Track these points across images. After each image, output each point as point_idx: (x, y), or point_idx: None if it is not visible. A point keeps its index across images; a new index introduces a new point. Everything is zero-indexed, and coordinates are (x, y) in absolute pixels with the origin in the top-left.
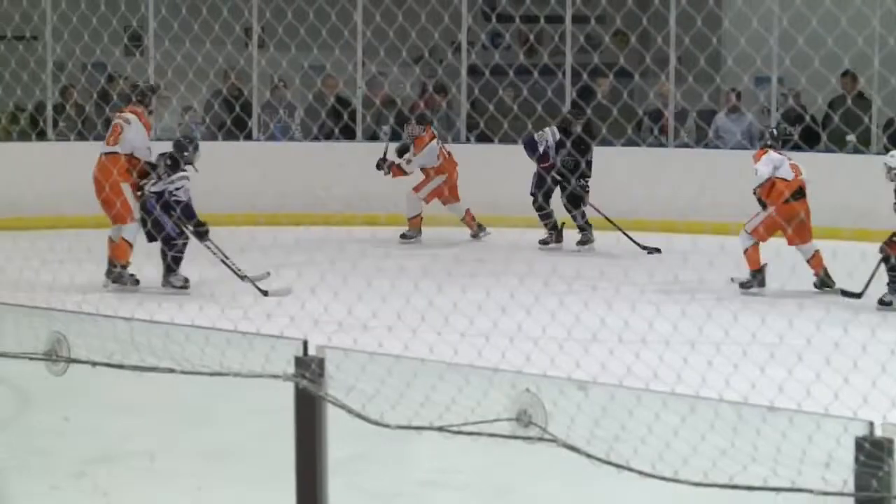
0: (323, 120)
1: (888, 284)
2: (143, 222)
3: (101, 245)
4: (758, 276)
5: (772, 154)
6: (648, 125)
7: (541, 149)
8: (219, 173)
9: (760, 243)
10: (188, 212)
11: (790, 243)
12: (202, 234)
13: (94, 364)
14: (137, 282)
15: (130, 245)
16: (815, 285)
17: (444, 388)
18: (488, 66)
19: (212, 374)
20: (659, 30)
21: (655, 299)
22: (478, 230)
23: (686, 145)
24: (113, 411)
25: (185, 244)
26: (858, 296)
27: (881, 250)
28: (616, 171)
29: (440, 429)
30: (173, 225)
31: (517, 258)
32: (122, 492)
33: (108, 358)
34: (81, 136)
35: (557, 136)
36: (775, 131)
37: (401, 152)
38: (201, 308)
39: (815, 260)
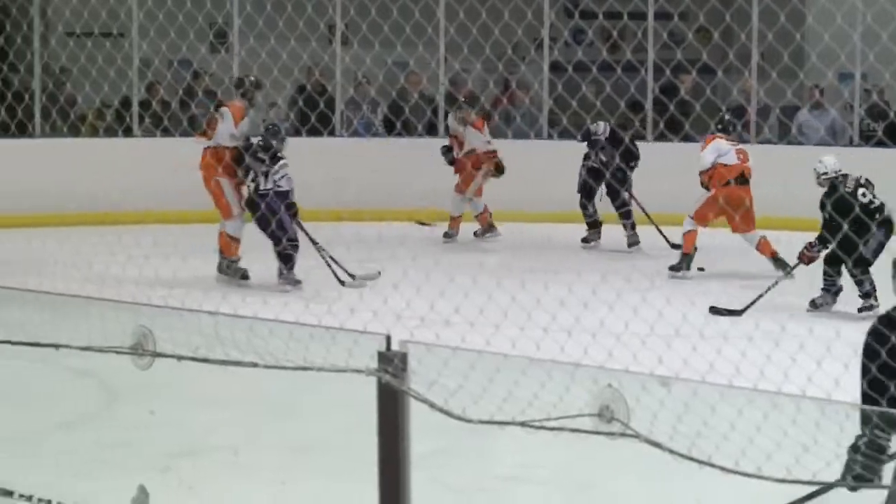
0: (406, 116)
1: (822, 289)
2: (261, 220)
3: (186, 240)
4: (686, 259)
5: (718, 142)
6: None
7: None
8: (302, 169)
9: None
10: (285, 196)
11: (735, 231)
12: (292, 212)
13: (180, 358)
14: (246, 276)
15: (234, 239)
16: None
17: (527, 384)
18: (571, 63)
19: (295, 369)
20: (742, 26)
21: (739, 296)
22: (487, 230)
23: (769, 142)
24: (198, 405)
25: (292, 243)
26: (738, 313)
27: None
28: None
29: (522, 424)
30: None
31: (599, 255)
32: (206, 485)
33: (193, 352)
34: (167, 133)
35: (608, 132)
36: (726, 117)
37: (447, 151)
38: (286, 303)
39: (762, 246)
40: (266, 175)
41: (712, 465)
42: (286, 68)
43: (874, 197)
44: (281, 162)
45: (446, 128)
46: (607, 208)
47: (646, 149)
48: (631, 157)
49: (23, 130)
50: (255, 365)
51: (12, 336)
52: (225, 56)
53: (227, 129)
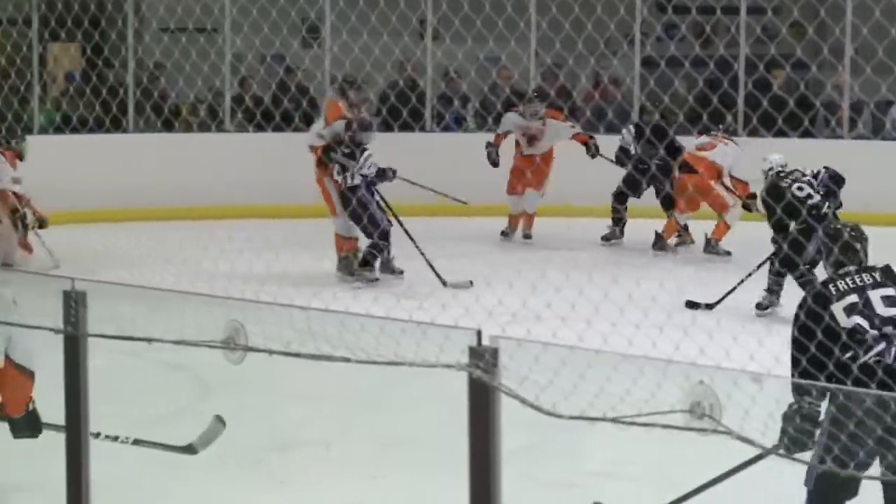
0: (498, 111)
1: (765, 290)
2: (353, 215)
3: (279, 235)
4: (659, 241)
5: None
6: (824, 117)
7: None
8: (394, 163)
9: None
10: (373, 183)
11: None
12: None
13: (271, 353)
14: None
15: (341, 237)
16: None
17: (618, 380)
18: (663, 58)
19: (387, 364)
20: (836, 21)
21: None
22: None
23: (863, 137)
24: (289, 400)
25: (382, 241)
26: (710, 307)
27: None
28: (792, 163)
29: (614, 420)
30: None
31: (686, 252)
32: (297, 479)
33: (285, 346)
34: (259, 128)
35: (633, 132)
36: None
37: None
38: (376, 298)
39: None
40: (353, 170)
41: (804, 463)
42: (378, 63)
43: (815, 192)
44: (366, 153)
45: (496, 123)
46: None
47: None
48: (675, 151)
49: (117, 125)
50: (346, 360)
51: (106, 330)
52: (318, 51)
53: (317, 129)
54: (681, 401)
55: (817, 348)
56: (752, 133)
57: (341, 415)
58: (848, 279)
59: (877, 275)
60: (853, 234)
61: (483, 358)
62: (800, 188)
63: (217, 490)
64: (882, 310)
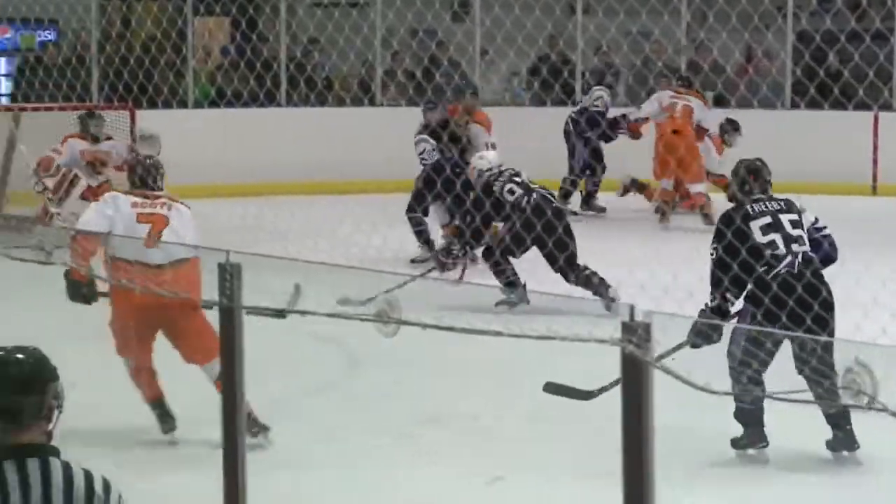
0: (651, 86)
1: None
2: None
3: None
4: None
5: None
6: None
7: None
8: (545, 138)
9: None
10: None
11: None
12: None
13: (424, 326)
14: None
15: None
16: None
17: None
18: (818, 32)
19: (539, 338)
20: None
21: None
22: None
23: None
24: (440, 373)
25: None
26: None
27: None
28: None
29: (767, 396)
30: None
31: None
32: (448, 453)
33: (438, 321)
34: (412, 102)
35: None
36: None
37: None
38: (531, 272)
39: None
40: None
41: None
42: (530, 37)
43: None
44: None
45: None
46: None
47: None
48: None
49: (271, 99)
50: (499, 334)
51: (260, 302)
52: (469, 25)
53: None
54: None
55: (739, 259)
56: None
57: (492, 389)
58: (762, 204)
59: (782, 203)
60: (766, 168)
61: (636, 333)
62: (510, 191)
63: (370, 462)
64: (790, 230)
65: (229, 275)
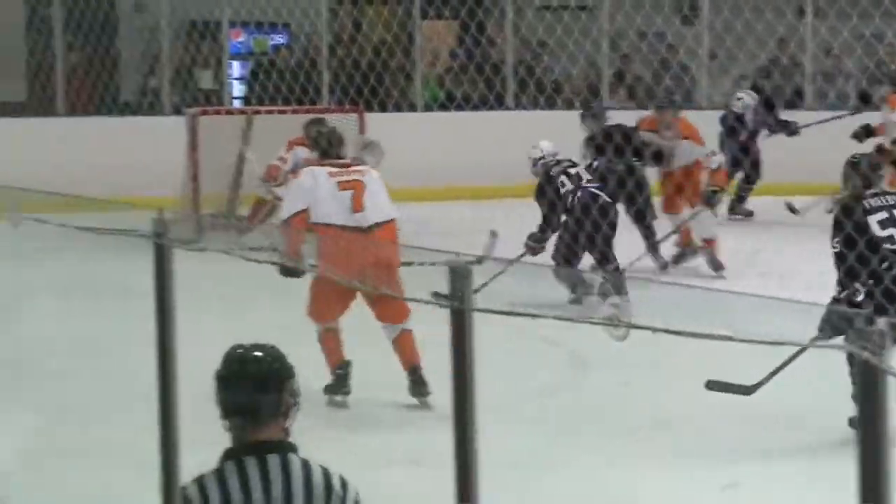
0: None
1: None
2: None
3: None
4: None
5: None
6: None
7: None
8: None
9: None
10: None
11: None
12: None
13: (654, 330)
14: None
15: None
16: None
17: None
18: None
19: (770, 343)
20: None
21: None
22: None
23: None
24: (672, 377)
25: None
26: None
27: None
28: None
29: None
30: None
31: None
32: (680, 455)
33: (667, 324)
34: (641, 106)
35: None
36: None
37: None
38: (763, 274)
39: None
40: None
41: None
42: (760, 40)
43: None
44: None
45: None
46: None
47: None
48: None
49: (500, 103)
50: (728, 338)
51: (492, 304)
52: (698, 28)
53: None
54: None
55: (859, 253)
56: None
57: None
58: (879, 198)
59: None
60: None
61: (871, 339)
62: (562, 183)
63: (597, 462)
64: None
65: (460, 277)
